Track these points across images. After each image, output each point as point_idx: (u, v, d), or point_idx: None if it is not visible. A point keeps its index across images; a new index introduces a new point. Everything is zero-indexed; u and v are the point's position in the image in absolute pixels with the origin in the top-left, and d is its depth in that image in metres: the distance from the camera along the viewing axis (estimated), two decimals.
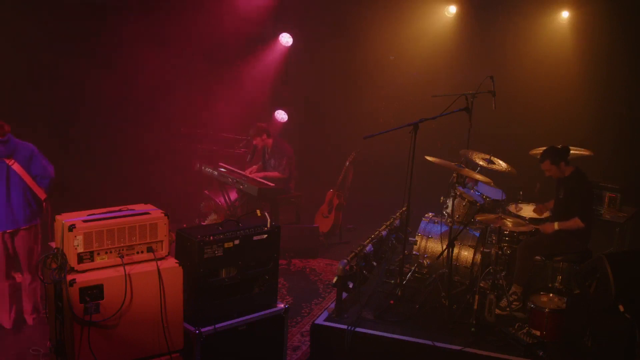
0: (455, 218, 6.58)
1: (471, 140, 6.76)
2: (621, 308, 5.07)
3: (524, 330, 5.67)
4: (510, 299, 6.15)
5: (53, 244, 4.44)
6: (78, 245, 4.21)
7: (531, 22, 9.92)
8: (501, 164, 6.90)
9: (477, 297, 5.82)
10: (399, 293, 6.27)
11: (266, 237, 5.02)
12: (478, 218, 6.30)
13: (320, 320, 5.80)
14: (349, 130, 10.21)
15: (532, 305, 5.73)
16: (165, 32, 9.55)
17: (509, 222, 6.07)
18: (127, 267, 4.32)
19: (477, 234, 6.68)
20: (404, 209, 6.76)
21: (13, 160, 5.83)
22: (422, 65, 10.59)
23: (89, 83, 9.17)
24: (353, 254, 6.14)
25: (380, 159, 10.32)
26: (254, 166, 8.77)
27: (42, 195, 6.00)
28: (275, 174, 8.54)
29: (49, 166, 6.03)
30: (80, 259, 4.24)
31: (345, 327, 5.63)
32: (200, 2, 9.79)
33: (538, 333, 5.61)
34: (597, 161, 7.55)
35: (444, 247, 6.43)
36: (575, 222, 6.13)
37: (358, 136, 6.65)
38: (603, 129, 9.36)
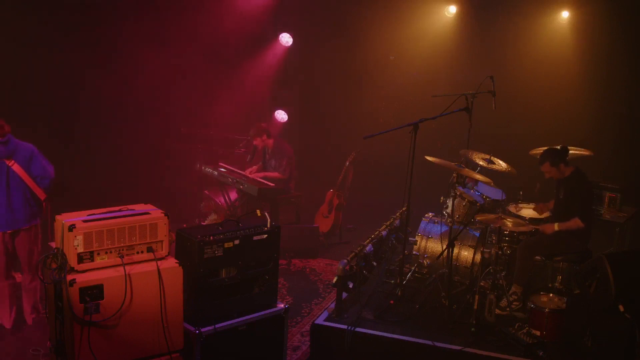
0: (455, 218, 6.58)
1: (471, 140, 6.76)
2: (621, 308, 5.07)
3: (524, 330, 5.67)
4: (510, 299, 6.15)
5: (53, 244, 4.44)
6: (78, 245, 4.21)
7: (531, 22, 9.92)
8: (501, 164, 6.90)
9: (477, 297, 5.82)
10: (399, 293, 6.27)
11: (266, 237, 5.02)
12: (478, 218, 6.31)
13: (320, 320, 5.80)
14: (349, 130, 10.21)
15: (532, 305, 5.73)
16: (165, 32, 9.55)
17: (509, 222, 6.07)
18: (127, 267, 4.32)
19: (477, 234, 6.68)
20: (404, 209, 6.76)
21: (13, 161, 5.83)
22: (422, 65, 10.59)
23: (89, 83, 9.18)
24: (353, 254, 6.14)
25: (380, 159, 10.32)
26: (254, 166, 8.77)
27: (42, 195, 6.01)
28: (275, 174, 8.54)
29: (49, 166, 6.03)
30: (80, 259, 4.24)
31: (345, 327, 5.63)
32: (201, 2, 9.80)
33: (538, 333, 5.61)
34: (597, 161, 7.55)
35: (444, 247, 6.43)
36: (576, 223, 6.13)
37: (358, 136, 6.65)
38: (603, 129, 9.36)
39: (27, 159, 5.91)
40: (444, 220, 6.84)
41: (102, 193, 8.34)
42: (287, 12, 10.54)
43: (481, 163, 6.82)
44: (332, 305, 5.98)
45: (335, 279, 5.89)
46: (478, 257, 6.60)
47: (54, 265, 4.28)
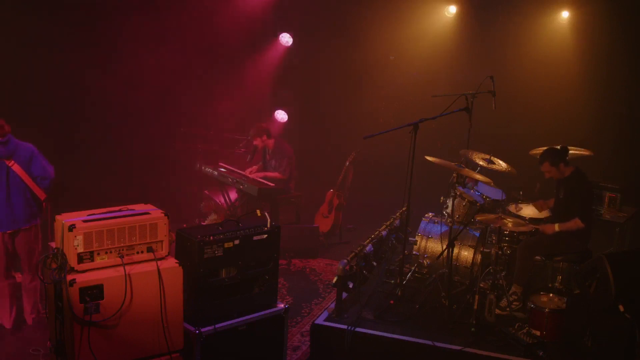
0: (455, 218, 6.58)
1: (471, 140, 6.76)
2: (621, 308, 5.07)
3: (524, 330, 5.67)
4: (510, 299, 6.15)
5: (53, 244, 4.44)
6: (78, 245, 4.21)
7: (531, 22, 9.92)
8: (501, 164, 6.90)
9: (477, 297, 5.82)
10: (399, 293, 6.27)
11: (266, 237, 5.02)
12: (478, 218, 6.31)
13: (320, 320, 5.80)
14: (349, 130, 10.21)
15: (532, 305, 5.73)
16: (165, 31, 9.55)
17: (509, 222, 6.07)
18: (127, 267, 4.32)
19: (477, 234, 6.68)
20: (404, 209, 6.76)
21: (13, 161, 5.83)
22: (422, 65, 10.59)
23: (89, 83, 9.18)
24: (353, 254, 6.14)
25: (380, 159, 10.32)
26: (254, 166, 8.77)
27: (42, 195, 6.01)
28: (275, 174, 8.54)
29: (49, 167, 6.03)
30: (80, 259, 4.24)
31: (345, 327, 5.63)
32: (201, 2, 9.80)
33: (538, 333, 5.61)
34: (597, 161, 7.55)
35: (444, 247, 6.43)
36: (576, 223, 6.13)
37: (358, 136, 6.65)
38: (603, 129, 9.36)
39: (27, 159, 5.91)
40: (444, 220, 6.84)
41: (102, 193, 8.33)
42: (287, 12, 10.54)
43: (481, 163, 6.82)
44: (332, 305, 5.98)
45: (335, 279, 5.89)
46: (478, 257, 6.61)
47: (54, 265, 4.28)
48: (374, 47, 10.73)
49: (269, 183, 8.29)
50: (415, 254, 6.83)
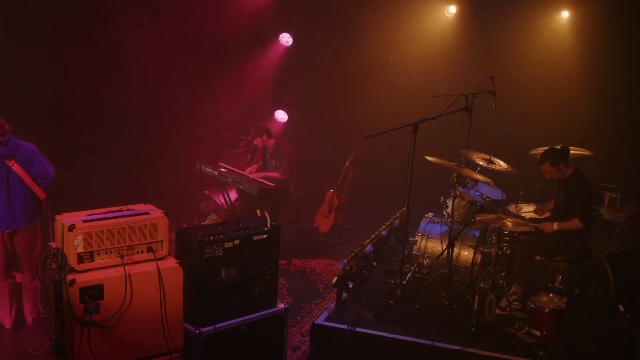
0: (455, 218, 6.58)
1: (471, 140, 6.76)
2: (621, 308, 5.07)
3: (524, 330, 5.67)
4: (510, 299, 6.15)
5: (53, 244, 4.44)
6: (78, 245, 4.21)
7: (531, 22, 9.92)
8: (501, 164, 6.90)
9: (477, 297, 5.82)
10: (399, 293, 6.27)
11: (266, 237, 5.02)
12: (478, 218, 6.30)
13: (320, 320, 5.80)
14: (349, 130, 10.21)
15: (532, 305, 5.72)
16: (165, 32, 9.55)
17: (509, 222, 6.07)
18: (127, 267, 4.32)
19: (477, 234, 6.68)
20: (404, 209, 6.76)
21: (13, 161, 5.83)
22: (422, 65, 10.59)
23: (89, 83, 9.18)
24: (353, 254, 6.14)
25: (380, 159, 10.31)
26: (254, 166, 8.77)
27: (41, 195, 6.01)
28: (276, 174, 8.54)
29: (49, 166, 6.03)
30: (80, 259, 4.24)
31: (345, 327, 5.63)
32: (201, 2, 9.80)
33: (538, 333, 5.61)
34: (597, 161, 7.55)
35: (444, 247, 6.43)
36: (575, 223, 6.13)
37: (358, 136, 6.65)
38: (603, 129, 9.36)
39: (27, 159, 5.91)
40: (444, 220, 6.84)
41: (102, 193, 8.33)
42: (287, 12, 10.54)
43: (481, 163, 6.82)
44: (332, 305, 5.98)
45: (335, 279, 5.89)
46: (478, 257, 6.61)
47: (54, 265, 4.28)
48: (374, 47, 10.73)
49: (269, 183, 8.29)
50: (415, 254, 6.83)
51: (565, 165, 6.26)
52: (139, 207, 4.63)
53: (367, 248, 6.45)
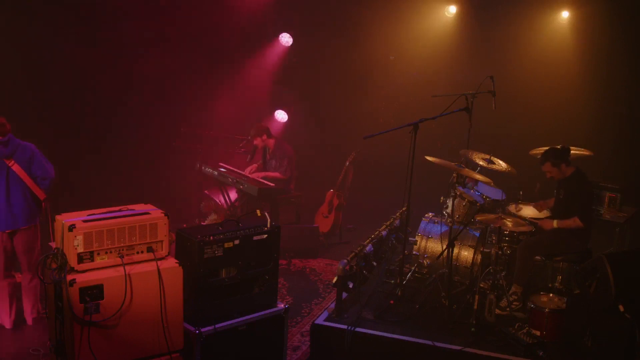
0: (455, 218, 6.58)
1: (471, 140, 6.76)
2: (621, 308, 5.07)
3: (524, 330, 5.67)
4: (510, 299, 6.15)
5: (53, 244, 4.44)
6: (78, 245, 4.21)
7: (531, 22, 9.92)
8: (501, 164, 6.90)
9: (477, 297, 5.82)
10: (399, 293, 6.27)
11: (266, 237, 5.02)
12: (478, 218, 6.31)
13: (320, 320, 5.80)
14: (349, 130, 10.21)
15: (532, 305, 5.73)
16: (166, 32, 9.55)
17: (509, 222, 6.07)
18: (127, 267, 4.32)
19: (477, 234, 6.68)
20: (404, 209, 6.76)
21: (13, 161, 5.83)
22: (422, 65, 10.59)
23: (90, 83, 9.18)
24: (353, 254, 6.14)
25: (380, 159, 10.31)
26: (253, 166, 8.78)
27: (41, 195, 6.00)
28: (276, 174, 8.55)
29: (49, 167, 6.02)
30: (80, 259, 4.24)
31: (345, 327, 5.63)
32: (201, 2, 9.79)
33: (538, 333, 5.61)
34: (597, 161, 7.55)
35: (444, 247, 6.43)
36: (575, 221, 6.13)
37: (358, 136, 6.65)
38: (603, 129, 9.36)
39: (28, 159, 5.90)
40: (444, 220, 6.84)
41: (102, 193, 8.34)
42: (287, 12, 10.54)
43: (481, 163, 6.82)
44: (332, 305, 5.98)
45: (335, 279, 5.89)
46: (478, 257, 6.61)
47: (54, 265, 4.28)
48: (374, 47, 10.73)
49: (269, 183, 8.29)
50: (415, 254, 6.83)
51: (566, 165, 6.27)
52: (139, 207, 4.63)
53: (367, 248, 6.45)
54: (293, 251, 8.09)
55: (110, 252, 4.34)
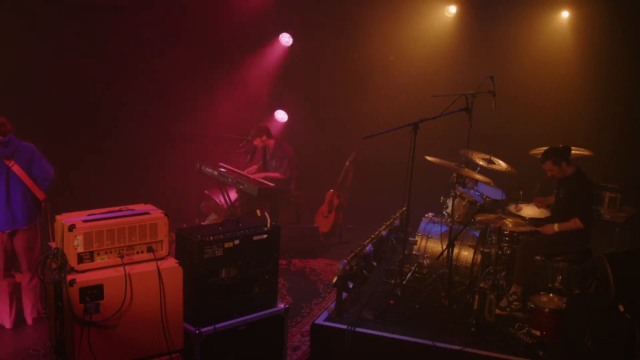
0: (455, 218, 6.58)
1: (471, 140, 6.76)
2: (621, 308, 5.07)
3: (524, 330, 5.67)
4: (510, 299, 6.15)
5: (53, 244, 4.44)
6: (78, 245, 4.21)
7: (531, 22, 9.92)
8: (501, 164, 6.90)
9: (477, 297, 5.82)
10: (399, 293, 6.27)
11: (266, 237, 5.02)
12: (478, 218, 6.30)
13: (320, 320, 5.80)
14: (349, 130, 10.21)
15: (532, 305, 5.73)
16: (165, 32, 9.55)
17: (509, 222, 6.07)
18: (127, 267, 4.32)
19: (477, 234, 6.68)
20: (404, 209, 6.76)
21: (13, 162, 5.82)
22: (422, 65, 10.59)
23: (89, 83, 9.18)
24: (353, 254, 6.14)
25: (380, 159, 10.31)
26: (253, 166, 8.78)
27: (41, 196, 6.00)
28: (276, 174, 8.55)
29: (49, 167, 6.02)
30: (80, 259, 4.24)
31: (345, 327, 5.63)
32: (201, 2, 9.79)
33: (538, 333, 5.61)
34: (597, 161, 7.55)
35: (444, 247, 6.43)
36: (575, 223, 6.13)
37: (358, 136, 6.64)
38: (603, 129, 9.36)
39: (28, 160, 5.90)
40: (444, 220, 6.84)
41: (102, 193, 8.34)
42: (287, 12, 10.54)
43: (481, 163, 6.82)
44: (332, 305, 5.98)
45: (335, 279, 5.89)
46: (478, 257, 6.61)
47: (54, 265, 4.28)
48: (374, 47, 10.73)
49: (269, 183, 8.29)
50: (415, 254, 6.83)
51: (567, 164, 6.27)
52: (139, 207, 4.63)
53: (367, 248, 6.45)
54: (293, 251, 8.09)
55: (110, 252, 4.35)
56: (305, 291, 7.28)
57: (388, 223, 7.14)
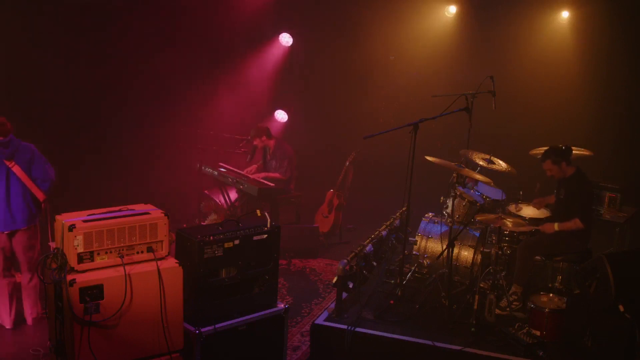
0: (455, 218, 6.58)
1: (471, 140, 6.76)
2: (621, 308, 5.07)
3: (524, 330, 5.67)
4: (510, 299, 6.15)
5: (53, 244, 4.44)
6: (78, 245, 4.21)
7: (531, 22, 9.92)
8: (501, 164, 6.90)
9: (477, 297, 5.82)
10: (399, 293, 6.27)
11: (266, 237, 5.03)
12: (478, 218, 6.30)
13: (320, 320, 5.80)
14: (349, 130, 10.21)
15: (532, 305, 5.73)
16: (166, 32, 9.55)
17: (509, 222, 6.07)
18: (127, 267, 4.32)
19: (477, 234, 6.68)
20: (404, 209, 6.76)
21: (13, 163, 5.82)
22: (422, 65, 10.59)
23: (90, 83, 9.17)
24: (353, 254, 6.14)
25: (380, 159, 10.31)
26: (253, 166, 8.78)
27: (40, 197, 5.99)
28: (276, 175, 8.55)
29: (49, 168, 6.01)
30: (80, 259, 4.24)
31: (345, 327, 5.63)
32: (201, 2, 9.79)
33: (538, 333, 5.61)
34: (597, 161, 7.55)
35: (444, 247, 6.43)
36: (575, 223, 6.13)
37: (358, 136, 6.65)
38: (603, 129, 9.36)
39: (28, 160, 5.89)
40: (444, 220, 6.84)
41: (102, 193, 8.33)
42: (287, 12, 10.54)
43: (481, 163, 6.82)
44: (332, 305, 5.98)
45: (335, 279, 5.89)
46: (478, 257, 6.61)
47: (54, 265, 4.28)
48: (374, 47, 10.73)
49: (269, 183, 8.29)
50: (415, 254, 6.83)
51: (567, 164, 6.26)
52: (139, 207, 4.63)
53: (367, 248, 6.45)
54: (293, 251, 8.09)
55: (110, 252, 4.35)
56: (305, 291, 7.28)
57: (388, 223, 7.14)
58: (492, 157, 6.90)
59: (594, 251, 6.19)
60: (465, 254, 6.63)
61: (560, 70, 9.77)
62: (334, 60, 10.80)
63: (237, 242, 4.86)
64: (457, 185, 6.65)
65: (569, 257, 6.26)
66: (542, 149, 6.51)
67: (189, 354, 4.68)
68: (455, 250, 6.52)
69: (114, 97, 9.40)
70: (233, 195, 8.97)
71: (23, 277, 6.16)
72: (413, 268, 6.76)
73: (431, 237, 6.81)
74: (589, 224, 6.21)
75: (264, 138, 8.61)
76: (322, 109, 11.10)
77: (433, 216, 7.04)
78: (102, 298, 4.23)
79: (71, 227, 4.19)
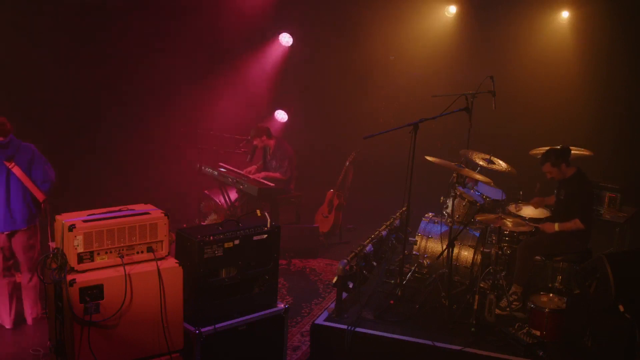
0: (455, 218, 6.58)
1: (471, 140, 6.76)
2: (621, 308, 5.07)
3: (524, 330, 5.67)
4: (510, 299, 6.15)
5: (53, 244, 4.44)
6: (78, 245, 4.21)
7: (531, 22, 9.92)
8: (501, 164, 6.90)
9: (477, 297, 5.82)
10: (399, 293, 6.27)
11: (266, 237, 5.03)
12: (478, 218, 6.30)
13: (320, 320, 5.80)
14: (349, 130, 10.21)
15: (532, 305, 5.73)
16: (166, 32, 9.55)
17: (509, 222, 6.07)
18: (127, 267, 4.32)
19: (477, 234, 6.68)
20: (404, 209, 6.76)
21: (13, 163, 5.81)
22: (422, 65, 10.59)
23: (89, 83, 9.17)
24: (353, 254, 6.14)
25: (380, 159, 10.32)
26: (253, 166, 8.78)
27: (40, 197, 5.98)
28: (276, 175, 8.55)
29: (49, 169, 6.00)
30: (80, 259, 4.24)
31: (345, 327, 5.63)
32: (201, 2, 9.80)
33: (538, 333, 5.61)
34: (597, 161, 7.55)
35: (444, 247, 6.43)
36: (576, 224, 6.13)
37: (358, 136, 6.65)
38: (603, 129, 9.36)
39: (28, 161, 5.88)
40: (444, 220, 6.84)
41: (102, 193, 8.33)
42: (287, 11, 10.54)
43: (481, 163, 6.82)
44: (332, 305, 5.98)
45: (335, 279, 5.89)
46: (478, 257, 6.61)
47: (54, 265, 4.28)
48: (374, 47, 10.74)
49: (269, 183, 8.30)
50: (415, 254, 6.83)
51: (567, 166, 6.26)
52: (139, 207, 4.63)
53: (367, 248, 6.45)
54: (293, 251, 8.09)
55: (110, 252, 4.35)
56: (305, 291, 7.28)
57: (388, 223, 7.14)
58: (492, 157, 6.90)
59: (594, 251, 6.19)
60: (465, 254, 6.63)
61: (560, 70, 9.77)
62: (334, 61, 10.80)
63: (237, 242, 4.86)
64: (457, 185, 6.65)
65: (569, 257, 6.26)
66: (542, 149, 6.51)
67: (189, 354, 4.68)
68: (455, 250, 6.52)
69: (114, 97, 9.40)
70: (233, 195, 8.97)
71: (23, 277, 6.16)
72: (413, 268, 6.76)
73: (431, 237, 6.81)
74: (589, 224, 6.22)
75: (264, 138, 8.61)
76: (322, 109, 11.10)
77: (433, 216, 7.04)
78: (102, 298, 4.23)
79: (71, 227, 4.19)
